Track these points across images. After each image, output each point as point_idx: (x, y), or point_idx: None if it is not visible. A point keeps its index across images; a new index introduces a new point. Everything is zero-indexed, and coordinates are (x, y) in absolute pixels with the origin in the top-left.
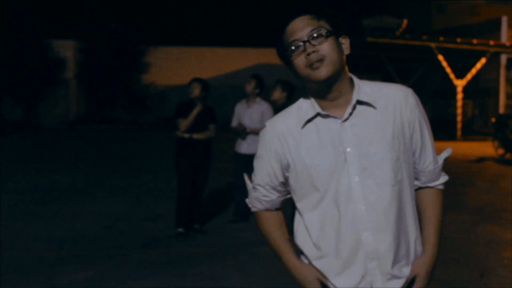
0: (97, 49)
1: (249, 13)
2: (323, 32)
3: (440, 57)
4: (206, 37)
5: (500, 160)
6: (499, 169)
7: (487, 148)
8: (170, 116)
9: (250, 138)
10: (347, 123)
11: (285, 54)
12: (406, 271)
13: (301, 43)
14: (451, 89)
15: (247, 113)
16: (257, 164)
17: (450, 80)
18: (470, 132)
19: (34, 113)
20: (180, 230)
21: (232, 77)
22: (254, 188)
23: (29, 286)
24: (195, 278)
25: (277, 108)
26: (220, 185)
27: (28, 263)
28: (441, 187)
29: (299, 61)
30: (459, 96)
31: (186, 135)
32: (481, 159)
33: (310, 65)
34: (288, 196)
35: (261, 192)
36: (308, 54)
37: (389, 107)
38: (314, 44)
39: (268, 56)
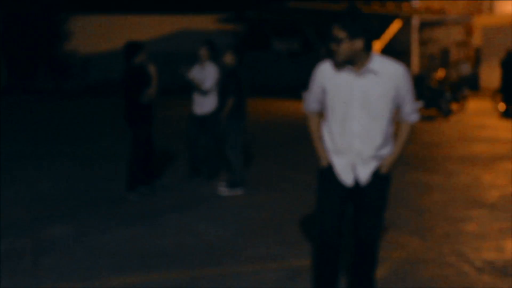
0: (16, 18)
1: None
2: (342, 39)
3: None
4: (126, 5)
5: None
6: (418, 124)
7: None
8: (93, 83)
9: (202, 99)
10: (359, 77)
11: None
12: (377, 163)
13: (333, 41)
14: None
15: (202, 75)
16: (310, 85)
17: None
18: None
19: None
20: (142, 189)
21: (154, 44)
22: (307, 97)
23: (15, 241)
24: (169, 228)
25: (229, 70)
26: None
27: (6, 223)
28: (412, 122)
29: (333, 47)
30: None
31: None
32: None
33: (335, 53)
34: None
35: (310, 102)
36: (333, 48)
37: (386, 74)
38: (337, 43)
39: (189, 22)
